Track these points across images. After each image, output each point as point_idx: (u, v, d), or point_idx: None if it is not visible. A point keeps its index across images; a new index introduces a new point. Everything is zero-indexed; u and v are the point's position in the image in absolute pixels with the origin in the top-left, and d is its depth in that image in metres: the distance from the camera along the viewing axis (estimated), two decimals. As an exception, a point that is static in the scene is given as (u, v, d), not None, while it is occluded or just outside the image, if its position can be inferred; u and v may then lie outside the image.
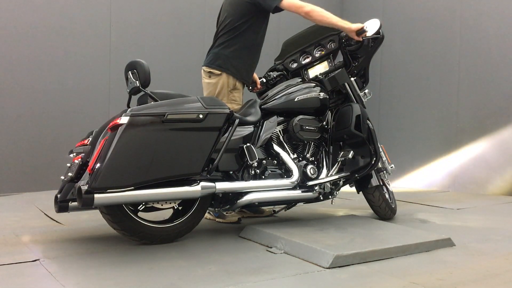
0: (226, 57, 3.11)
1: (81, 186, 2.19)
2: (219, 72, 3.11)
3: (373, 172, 3.15)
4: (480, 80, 4.90)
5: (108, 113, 4.62)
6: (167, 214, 2.66)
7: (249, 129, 2.81)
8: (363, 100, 3.24)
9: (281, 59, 3.42)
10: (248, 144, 2.73)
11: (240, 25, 3.10)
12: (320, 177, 2.95)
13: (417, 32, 5.49)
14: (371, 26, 3.06)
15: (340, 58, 3.25)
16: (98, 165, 2.21)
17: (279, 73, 3.37)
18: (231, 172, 2.71)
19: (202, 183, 2.49)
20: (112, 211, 2.38)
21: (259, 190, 2.71)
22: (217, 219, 3.18)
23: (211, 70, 3.14)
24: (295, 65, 3.34)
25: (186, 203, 2.62)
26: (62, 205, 2.46)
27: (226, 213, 2.88)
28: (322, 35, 3.26)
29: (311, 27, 3.35)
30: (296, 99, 2.96)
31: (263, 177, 2.80)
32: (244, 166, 2.74)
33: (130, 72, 2.57)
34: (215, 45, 3.19)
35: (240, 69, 3.14)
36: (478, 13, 4.94)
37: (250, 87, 3.40)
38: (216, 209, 2.79)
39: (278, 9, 3.05)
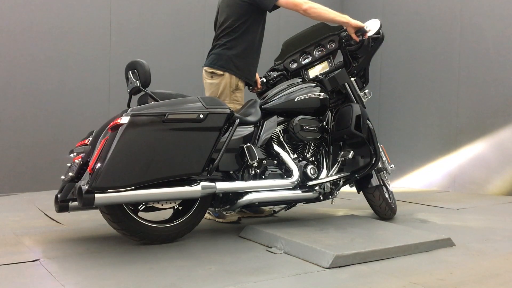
0: (229, 58, 3.11)
1: (82, 186, 2.19)
2: (221, 73, 3.11)
3: (373, 172, 3.15)
4: (480, 80, 4.91)
5: (108, 113, 4.62)
6: (167, 214, 2.66)
7: (249, 129, 2.81)
8: (363, 100, 3.24)
9: (281, 59, 3.42)
10: (248, 144, 2.73)
11: (240, 25, 3.11)
12: (320, 177, 2.95)
13: (417, 32, 5.50)
14: (371, 26, 3.06)
15: (340, 58, 3.25)
16: (98, 165, 2.21)
17: (279, 73, 3.37)
18: (231, 172, 2.71)
19: (203, 183, 2.49)
20: (112, 211, 2.38)
21: (259, 190, 2.71)
22: (217, 219, 3.18)
23: (214, 71, 3.14)
24: (295, 65, 3.34)
25: (186, 203, 2.62)
26: (62, 205, 2.46)
27: (226, 213, 2.88)
28: (322, 35, 3.26)
29: (311, 27, 3.35)
30: (296, 99, 2.96)
31: (263, 177, 2.80)
32: (244, 166, 2.74)
33: (130, 72, 2.57)
34: (216, 46, 3.19)
35: (242, 69, 3.14)
36: (478, 13, 4.94)
37: (251, 87, 3.40)
38: (216, 209, 2.79)
39: (275, 7, 3.06)
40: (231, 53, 3.12)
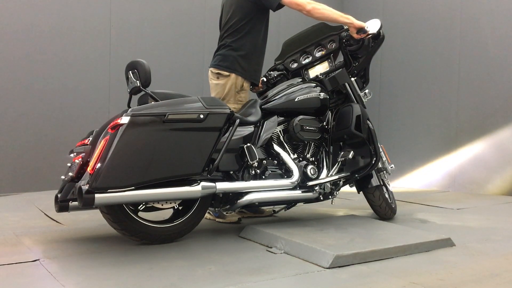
0: (234, 58, 3.11)
1: (82, 186, 2.19)
2: (227, 73, 3.12)
3: (373, 172, 3.15)
4: (480, 80, 4.91)
5: (108, 113, 4.62)
6: (167, 214, 2.66)
7: (249, 129, 2.81)
8: (363, 100, 3.24)
9: (281, 59, 3.42)
10: (248, 144, 2.73)
11: (244, 25, 3.11)
12: (320, 177, 2.95)
13: (417, 32, 5.50)
14: (372, 26, 3.06)
15: (340, 58, 3.25)
16: (98, 165, 2.21)
17: (279, 73, 3.37)
18: (231, 172, 2.71)
19: (203, 183, 2.49)
20: (112, 211, 2.38)
21: (259, 190, 2.71)
22: (217, 219, 3.18)
23: (220, 72, 3.14)
24: (295, 65, 3.34)
25: (187, 203, 2.62)
26: (62, 205, 2.46)
27: (226, 213, 2.88)
28: (322, 35, 3.26)
29: (312, 27, 3.36)
30: (296, 99, 2.96)
31: (264, 177, 2.80)
32: (244, 166, 2.74)
33: (130, 72, 2.56)
34: (221, 46, 3.19)
35: (248, 70, 3.15)
36: (478, 13, 4.94)
37: (251, 86, 3.40)
38: (216, 209, 2.79)
39: (280, 6, 3.06)
40: (237, 54, 3.12)
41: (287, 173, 2.86)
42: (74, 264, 2.18)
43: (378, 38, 3.13)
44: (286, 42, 3.48)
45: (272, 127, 2.90)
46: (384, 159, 3.30)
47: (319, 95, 3.02)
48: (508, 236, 2.88)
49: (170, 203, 2.54)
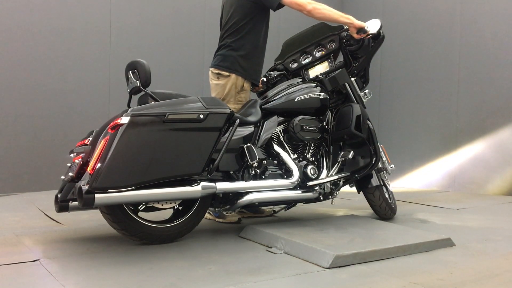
0: (234, 59, 3.11)
1: (82, 186, 2.19)
2: (227, 74, 3.12)
3: (373, 172, 3.15)
4: (480, 80, 4.91)
5: (108, 113, 4.62)
6: (167, 214, 2.66)
7: (249, 129, 2.81)
8: (363, 100, 3.25)
9: (281, 59, 3.42)
10: (248, 144, 2.73)
11: (244, 25, 3.11)
12: (320, 177, 2.95)
13: (417, 32, 5.50)
14: (372, 26, 3.07)
15: (340, 58, 3.25)
16: (98, 165, 2.21)
17: (279, 73, 3.37)
18: (231, 172, 2.71)
19: (203, 183, 2.49)
20: (112, 211, 2.38)
21: (259, 190, 2.71)
22: (217, 219, 3.18)
23: (220, 72, 3.14)
24: (295, 65, 3.34)
25: (186, 203, 2.62)
26: (62, 205, 2.46)
27: (226, 213, 2.88)
28: (322, 35, 3.26)
29: (312, 27, 3.36)
30: (296, 99, 2.96)
31: (264, 177, 2.80)
32: (244, 166, 2.74)
33: (130, 72, 2.56)
34: (222, 47, 3.19)
35: (248, 70, 3.15)
36: (478, 14, 4.94)
37: (251, 87, 3.40)
38: (216, 209, 2.79)
39: (280, 6, 3.06)
40: (237, 54, 3.12)
41: (287, 173, 2.86)
42: (74, 264, 2.18)
43: (378, 38, 3.13)
44: (286, 42, 3.48)
45: (272, 127, 2.90)
46: (384, 159, 3.30)
47: (319, 95, 3.03)
48: (508, 236, 2.89)
49: (170, 203, 2.54)
